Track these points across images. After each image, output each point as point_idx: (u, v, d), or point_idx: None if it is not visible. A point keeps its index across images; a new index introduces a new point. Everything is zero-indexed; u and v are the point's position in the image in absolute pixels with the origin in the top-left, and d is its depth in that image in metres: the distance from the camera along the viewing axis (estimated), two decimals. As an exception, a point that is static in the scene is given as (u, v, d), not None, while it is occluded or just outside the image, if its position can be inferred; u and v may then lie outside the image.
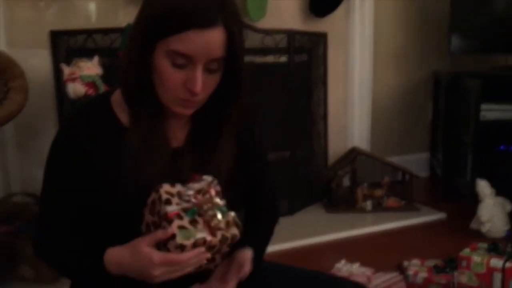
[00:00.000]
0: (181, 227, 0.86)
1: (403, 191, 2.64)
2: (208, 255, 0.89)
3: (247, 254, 1.04)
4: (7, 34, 2.05)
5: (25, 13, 2.07)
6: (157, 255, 0.87)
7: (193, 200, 0.90)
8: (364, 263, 1.83)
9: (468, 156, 2.55)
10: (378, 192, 2.62)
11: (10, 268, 1.83)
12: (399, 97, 3.11)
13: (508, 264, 1.41)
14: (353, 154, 2.71)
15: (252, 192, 1.10)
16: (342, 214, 2.54)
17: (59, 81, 2.07)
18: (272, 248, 2.09)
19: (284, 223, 2.40)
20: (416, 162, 3.05)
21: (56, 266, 1.08)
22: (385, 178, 2.65)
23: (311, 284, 1.10)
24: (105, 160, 0.96)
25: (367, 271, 1.77)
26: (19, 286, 1.81)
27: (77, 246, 1.01)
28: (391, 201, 2.60)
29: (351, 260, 1.84)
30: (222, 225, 0.89)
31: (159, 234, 0.87)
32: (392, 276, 1.85)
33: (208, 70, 0.90)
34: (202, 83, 0.89)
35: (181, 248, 0.86)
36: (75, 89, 1.86)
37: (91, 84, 1.87)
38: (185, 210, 0.88)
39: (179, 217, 0.87)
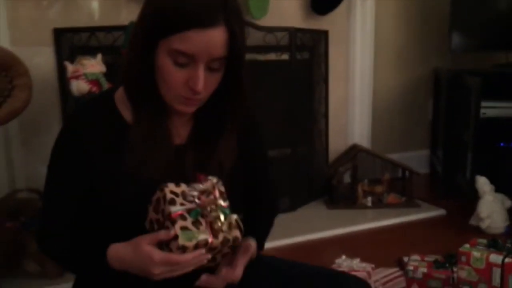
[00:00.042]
0: (183, 228, 0.87)
1: (403, 188, 2.66)
2: (209, 256, 0.90)
3: (251, 242, 1.06)
4: (11, 33, 2.06)
5: (28, 11, 2.09)
6: (158, 254, 0.88)
7: (197, 200, 0.91)
8: (364, 259, 1.84)
9: (468, 153, 2.56)
10: (379, 189, 2.63)
11: (15, 263, 1.84)
12: (400, 95, 3.13)
13: (507, 260, 1.42)
14: (354, 151, 2.72)
15: (252, 189, 1.11)
16: (343, 210, 2.56)
17: (63, 79, 2.08)
18: (274, 243, 2.12)
19: (285, 219, 2.43)
20: (416, 159, 3.06)
21: (60, 261, 1.09)
22: (385, 175, 2.66)
23: (312, 278, 1.10)
24: (108, 157, 0.97)
25: (368, 266, 1.78)
26: (25, 281, 1.82)
27: (80, 241, 1.02)
28: (391, 198, 2.62)
29: (351, 255, 1.85)
30: (225, 227, 0.90)
31: (162, 235, 0.88)
32: (392, 272, 1.87)
33: (209, 69, 0.91)
34: (204, 82, 0.90)
35: (183, 249, 0.87)
36: (79, 86, 1.87)
37: (94, 81, 1.88)
38: (188, 210, 0.89)
39: (183, 217, 0.88)
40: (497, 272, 1.43)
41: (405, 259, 1.87)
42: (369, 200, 2.59)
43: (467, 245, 1.51)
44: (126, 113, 0.99)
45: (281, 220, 2.38)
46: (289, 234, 2.24)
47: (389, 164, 2.70)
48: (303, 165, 2.65)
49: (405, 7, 3.03)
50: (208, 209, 0.90)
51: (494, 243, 1.50)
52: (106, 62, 1.94)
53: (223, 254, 0.95)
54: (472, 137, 2.54)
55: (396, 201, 2.61)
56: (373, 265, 1.82)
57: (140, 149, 0.96)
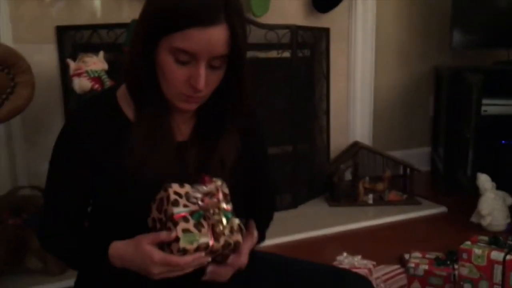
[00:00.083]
0: (185, 230, 0.87)
1: (405, 185, 2.66)
2: (209, 258, 0.91)
3: (254, 230, 1.07)
4: (14, 30, 2.06)
5: (31, 9, 2.09)
6: (157, 255, 0.89)
7: (200, 202, 0.91)
8: (365, 256, 1.84)
9: (469, 151, 2.56)
10: (380, 186, 2.64)
11: (17, 260, 1.85)
12: (401, 92, 3.13)
13: (508, 257, 1.42)
14: (355, 148, 2.73)
15: (252, 187, 1.11)
16: (344, 207, 2.57)
17: (65, 76, 2.09)
18: (275, 240, 2.13)
19: (287, 216, 2.44)
20: (417, 157, 3.07)
21: (61, 257, 1.10)
22: (386, 172, 2.67)
23: (314, 276, 1.11)
24: (110, 154, 0.97)
25: (369, 263, 1.79)
26: (27, 277, 1.83)
27: (81, 238, 1.03)
28: (393, 195, 2.63)
29: (352, 252, 1.86)
30: (227, 231, 0.90)
31: (163, 236, 0.89)
32: (393, 269, 1.88)
33: (211, 67, 0.91)
34: (205, 80, 0.90)
35: (184, 252, 0.87)
36: (81, 84, 1.87)
37: (96, 79, 1.88)
38: (191, 213, 0.89)
39: (185, 219, 0.88)
40: (498, 269, 1.43)
41: (406, 256, 1.88)
42: (370, 198, 2.59)
43: (468, 242, 1.51)
44: (128, 111, 0.99)
45: (282, 217, 2.40)
46: (290, 231, 2.24)
47: (390, 161, 2.71)
48: (304, 163, 2.65)
49: (406, 5, 3.04)
50: (211, 211, 0.90)
51: (495, 240, 1.50)
52: (108, 60, 1.95)
53: (224, 256, 0.95)
54: (473, 135, 2.54)
55: (397, 199, 2.62)
56: (374, 262, 1.82)
57: (142, 146, 0.96)
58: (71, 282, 1.13)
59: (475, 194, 2.32)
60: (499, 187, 2.31)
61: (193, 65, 0.90)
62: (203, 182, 0.93)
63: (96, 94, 1.76)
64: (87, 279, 1.08)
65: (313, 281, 1.09)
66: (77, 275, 1.12)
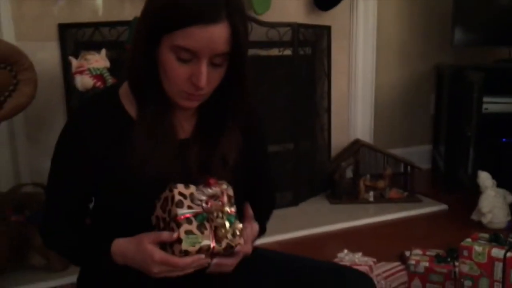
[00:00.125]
0: (188, 232, 0.87)
1: (405, 183, 2.67)
2: (209, 260, 0.91)
3: (255, 222, 1.07)
4: (16, 28, 2.07)
5: (33, 7, 2.09)
6: (158, 254, 0.89)
7: (204, 205, 0.91)
8: (366, 253, 1.85)
9: (470, 149, 2.56)
10: (381, 184, 2.64)
11: (20, 256, 1.86)
12: (402, 90, 3.13)
13: (509, 254, 1.42)
14: (356, 146, 2.73)
15: (252, 185, 1.12)
16: (345, 205, 2.57)
17: (67, 74, 2.09)
18: (277, 237, 2.14)
19: (288, 214, 2.44)
20: (418, 155, 3.07)
21: (63, 253, 1.10)
22: (387, 170, 2.67)
23: (314, 272, 1.11)
24: (112, 152, 0.97)
25: (369, 260, 1.80)
26: (30, 274, 1.84)
27: (84, 234, 1.03)
28: (393, 193, 2.63)
29: (353, 250, 1.87)
30: (229, 234, 0.91)
31: (164, 236, 0.89)
32: (393, 266, 1.88)
33: (212, 65, 0.91)
34: (206, 78, 0.90)
35: (185, 253, 0.88)
36: (83, 81, 1.88)
37: (99, 76, 1.89)
38: (195, 214, 0.89)
39: (188, 221, 0.88)
40: (499, 267, 1.44)
41: (407, 253, 1.88)
42: (371, 195, 2.60)
43: (469, 240, 1.51)
44: (131, 108, 1.00)
45: (283, 214, 2.41)
46: (292, 228, 2.25)
47: (391, 159, 2.71)
48: (306, 160, 2.66)
49: (407, 3, 3.04)
50: (215, 214, 0.91)
51: (496, 237, 1.51)
52: (110, 57, 1.95)
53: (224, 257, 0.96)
54: (474, 133, 2.54)
55: (398, 196, 2.62)
56: (375, 259, 1.83)
57: (144, 144, 0.96)
58: (74, 278, 1.14)
59: (476, 192, 2.33)
60: (499, 185, 2.32)
61: (195, 63, 0.90)
62: (209, 185, 0.93)
63: (98, 91, 1.76)
64: (90, 276, 1.09)
65: (314, 278, 1.10)
66: (79, 272, 1.13)
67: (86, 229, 1.05)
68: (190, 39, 0.87)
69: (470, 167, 2.57)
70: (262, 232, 1.13)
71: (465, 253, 1.48)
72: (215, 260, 0.93)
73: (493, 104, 2.61)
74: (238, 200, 0.98)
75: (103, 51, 1.94)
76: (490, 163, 2.48)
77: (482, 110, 2.52)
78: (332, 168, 2.66)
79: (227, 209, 0.92)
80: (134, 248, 0.93)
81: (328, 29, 2.71)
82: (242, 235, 0.93)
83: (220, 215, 0.91)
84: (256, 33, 2.29)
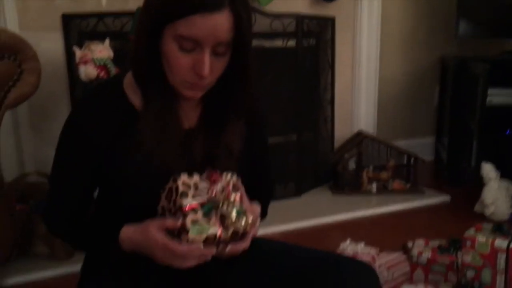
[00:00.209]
0: (194, 221, 0.88)
1: (408, 174, 2.67)
2: (213, 250, 0.91)
3: (256, 206, 1.07)
4: (20, 17, 2.06)
5: (37, -4, 2.10)
6: (161, 240, 0.90)
7: (209, 193, 0.92)
8: (369, 244, 1.85)
9: (474, 141, 2.56)
10: (384, 175, 2.64)
11: (25, 245, 1.88)
12: (406, 82, 3.12)
13: (512, 245, 1.43)
14: (359, 137, 2.73)
15: (252, 173, 1.11)
16: (348, 196, 2.58)
17: (71, 64, 2.09)
18: (280, 228, 2.15)
19: (291, 205, 2.45)
20: (421, 146, 3.07)
21: (68, 241, 1.11)
22: (390, 161, 2.67)
23: (317, 263, 1.12)
24: (117, 143, 0.97)
25: (372, 251, 1.80)
26: (34, 262, 1.85)
27: (88, 223, 1.04)
28: (396, 184, 2.63)
29: (356, 241, 1.87)
30: (235, 222, 0.91)
31: (169, 223, 0.90)
32: (396, 256, 1.88)
33: (215, 54, 0.91)
34: (209, 67, 0.90)
35: (192, 242, 0.88)
36: (87, 71, 1.88)
37: (102, 67, 1.89)
38: (200, 204, 0.90)
39: (194, 210, 0.89)
40: (502, 257, 1.44)
41: (409, 244, 1.89)
42: (373, 187, 2.60)
43: (472, 230, 1.52)
44: (135, 99, 1.00)
45: (286, 205, 2.42)
46: (295, 219, 2.26)
47: (394, 150, 2.71)
48: (309, 152, 2.66)
49: (412, -6, 3.02)
50: (220, 203, 0.91)
51: (499, 228, 1.51)
52: (114, 48, 1.95)
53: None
54: (477, 125, 2.54)
55: (401, 188, 2.63)
56: (378, 250, 1.83)
57: (150, 134, 0.96)
58: (78, 267, 1.14)
59: (479, 184, 2.33)
60: (503, 176, 2.31)
61: (198, 52, 0.90)
62: (213, 181, 0.93)
63: (102, 82, 1.77)
64: (94, 265, 1.10)
65: (316, 268, 1.10)
66: (83, 261, 1.14)
67: (91, 218, 1.06)
68: (193, 28, 0.87)
69: (473, 159, 2.57)
70: (263, 216, 1.14)
71: (468, 243, 1.48)
72: (228, 248, 0.93)
73: (497, 96, 2.60)
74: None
75: (107, 42, 1.94)
76: (494, 155, 2.48)
77: (486, 102, 2.51)
78: (335, 160, 2.67)
79: (233, 197, 0.92)
80: (141, 234, 0.94)
81: (332, 20, 2.70)
82: (248, 220, 0.94)
83: (226, 203, 0.91)
84: (260, 24, 2.29)
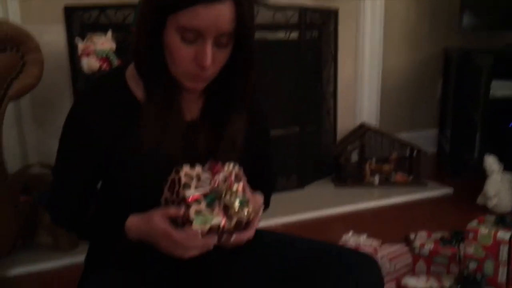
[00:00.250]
0: (198, 212, 0.89)
1: (411, 167, 2.67)
2: (215, 239, 0.91)
3: (259, 196, 1.08)
4: (22, 10, 2.06)
5: (39, -12, 2.09)
6: (162, 227, 0.91)
7: (212, 183, 0.92)
8: (371, 236, 1.86)
9: (477, 133, 2.55)
10: (386, 167, 2.64)
11: (29, 236, 1.89)
12: (409, 74, 3.11)
13: (514, 237, 1.43)
14: (362, 130, 2.73)
15: (255, 166, 1.11)
16: (350, 188, 2.58)
17: (74, 56, 2.09)
18: (282, 220, 2.15)
19: (293, 197, 2.46)
20: (424, 139, 3.06)
21: (73, 230, 1.12)
22: (393, 153, 2.67)
23: (319, 254, 1.12)
24: (119, 134, 0.97)
25: (374, 242, 1.81)
26: (38, 253, 1.87)
27: (91, 213, 1.04)
28: (399, 176, 2.63)
29: (358, 232, 1.88)
30: (239, 211, 0.92)
31: (172, 211, 0.90)
32: (398, 248, 1.89)
33: (217, 45, 0.91)
34: (211, 58, 0.90)
35: (201, 235, 0.89)
36: (89, 63, 1.88)
37: (105, 59, 1.89)
38: (203, 195, 0.90)
39: (197, 201, 0.89)
40: (504, 249, 1.44)
41: (412, 236, 1.89)
42: (376, 179, 2.60)
43: (475, 222, 1.52)
44: (137, 90, 1.00)
45: (289, 197, 2.42)
46: (297, 211, 2.26)
47: (397, 143, 2.71)
48: (311, 144, 2.66)
49: (415, -15, 3.01)
50: (223, 194, 0.92)
51: (502, 220, 1.51)
52: (116, 40, 1.95)
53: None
54: (481, 117, 2.53)
55: (403, 180, 2.62)
56: (380, 241, 1.84)
57: (152, 126, 0.96)
58: (82, 257, 1.15)
59: (482, 176, 2.32)
60: (506, 169, 2.31)
61: (200, 43, 0.90)
62: (215, 172, 0.94)
63: (104, 73, 1.76)
64: (98, 255, 1.10)
65: (318, 260, 1.10)
66: (87, 252, 1.15)
67: (95, 208, 1.06)
68: (195, 18, 0.87)
69: (476, 151, 2.56)
70: (265, 207, 1.14)
71: (471, 235, 1.48)
72: (233, 238, 0.93)
73: (501, 89, 2.59)
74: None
75: (109, 33, 1.94)
76: (497, 148, 2.47)
77: (489, 95, 2.50)
78: (338, 152, 2.67)
79: (235, 187, 0.93)
80: (145, 223, 0.94)
81: (335, 12, 2.69)
82: (252, 209, 0.94)
83: (229, 193, 0.92)
84: (263, 16, 2.28)
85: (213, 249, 0.95)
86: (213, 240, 0.91)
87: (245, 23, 0.90)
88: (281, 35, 2.47)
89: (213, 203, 0.91)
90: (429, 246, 1.65)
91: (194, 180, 0.91)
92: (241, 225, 0.93)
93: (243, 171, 0.98)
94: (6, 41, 1.65)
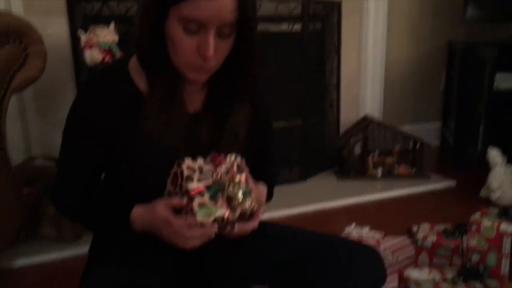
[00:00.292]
0: (201, 205, 0.89)
1: (414, 159, 2.66)
2: (216, 229, 0.91)
3: (262, 186, 1.08)
4: (25, 2, 2.06)
5: (42, -20, 2.09)
6: (163, 215, 0.91)
7: (214, 175, 0.92)
8: (374, 228, 1.86)
9: (481, 126, 2.54)
10: (389, 160, 2.64)
11: (33, 227, 1.90)
12: (412, 67, 3.10)
13: (517, 229, 1.43)
14: (365, 122, 2.72)
15: (257, 158, 1.12)
16: (353, 181, 2.58)
17: (76, 48, 2.09)
18: (285, 212, 2.15)
19: (296, 189, 2.46)
20: (427, 131, 3.06)
21: (77, 220, 1.13)
22: (396, 146, 2.67)
23: (322, 246, 1.12)
24: (122, 126, 0.98)
25: (377, 235, 1.81)
26: (42, 244, 1.87)
27: (95, 204, 1.05)
28: (402, 169, 2.63)
29: (361, 225, 1.88)
30: (242, 202, 0.92)
31: (175, 201, 0.91)
32: (401, 240, 1.89)
33: (220, 35, 0.91)
34: (214, 48, 0.90)
35: (201, 225, 0.89)
36: (92, 56, 1.88)
37: (107, 51, 1.88)
38: (207, 187, 0.91)
39: (200, 194, 0.90)
40: (507, 241, 1.44)
41: (414, 228, 1.89)
42: (379, 171, 2.60)
43: (477, 214, 1.51)
44: (140, 82, 1.00)
45: (291, 190, 2.42)
46: (300, 203, 2.26)
47: (400, 135, 2.70)
48: (314, 136, 2.66)
49: (419, -23, 2.99)
50: (226, 185, 0.92)
51: (505, 212, 1.51)
52: (119, 32, 1.94)
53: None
54: (484, 109, 2.52)
55: (406, 172, 2.62)
56: (383, 234, 1.84)
57: (155, 118, 0.97)
58: (85, 249, 1.16)
59: (485, 169, 2.32)
60: (509, 162, 2.30)
61: (202, 34, 0.90)
62: (216, 164, 0.94)
63: (107, 65, 1.76)
64: (102, 246, 1.11)
65: (322, 251, 1.11)
66: (91, 242, 1.15)
67: (100, 199, 1.07)
68: (197, 9, 0.87)
69: (479, 144, 2.56)
70: (268, 198, 1.14)
71: (474, 227, 1.48)
72: (236, 227, 0.94)
73: (505, 81, 2.58)
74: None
75: (112, 26, 1.93)
76: (500, 140, 2.46)
77: (493, 87, 2.49)
78: (341, 144, 2.66)
79: (238, 178, 0.93)
80: (149, 213, 0.95)
81: (338, 4, 2.68)
82: (255, 199, 0.94)
83: (232, 184, 0.92)
84: (265, 8, 2.27)
85: (216, 240, 0.95)
86: (213, 230, 0.91)
87: (247, 14, 0.90)
88: (284, 27, 2.46)
89: (216, 195, 0.91)
90: (432, 238, 1.65)
91: (196, 173, 0.91)
92: (245, 216, 0.93)
93: (245, 163, 0.98)
94: (8, 33, 1.64)
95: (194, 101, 1.04)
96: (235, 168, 0.94)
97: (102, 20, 2.04)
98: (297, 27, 2.46)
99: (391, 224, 2.03)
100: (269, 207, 1.11)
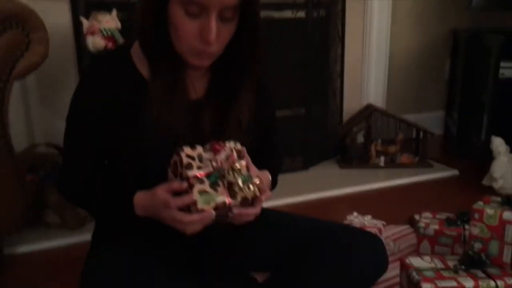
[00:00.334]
0: (201, 192, 0.89)
1: (417, 148, 2.66)
2: (213, 213, 0.91)
3: (267, 173, 1.08)
4: (27, -13, 2.05)
5: (43, -34, 2.07)
6: (162, 197, 0.91)
7: (214, 163, 0.92)
8: (376, 217, 1.86)
9: (485, 114, 2.53)
10: (392, 149, 2.63)
11: (36, 215, 1.90)
12: (417, 55, 3.08)
13: (520, 217, 1.43)
14: (368, 111, 2.71)
15: (260, 146, 1.12)
16: (356, 169, 2.57)
17: (79, 35, 2.08)
18: (287, 200, 2.15)
19: (298, 178, 2.46)
20: (430, 120, 3.05)
21: (82, 206, 1.13)
22: (399, 135, 2.66)
23: (324, 233, 1.13)
24: (125, 112, 0.98)
25: (379, 223, 1.81)
26: (45, 232, 1.88)
27: (101, 189, 1.06)
28: (405, 158, 2.62)
29: (363, 213, 1.88)
30: (244, 188, 0.92)
31: (175, 185, 0.91)
32: (403, 228, 1.90)
33: (222, 19, 0.91)
34: (216, 32, 0.90)
35: (202, 212, 0.89)
36: (95, 42, 1.87)
37: (110, 37, 1.88)
38: (206, 174, 0.91)
39: (200, 181, 0.90)
40: (510, 229, 1.44)
41: (417, 217, 1.89)
42: (381, 160, 2.60)
43: (480, 202, 1.51)
44: (142, 68, 1.00)
45: (294, 178, 2.42)
46: (302, 192, 2.26)
47: (403, 124, 2.69)
48: (317, 125, 2.65)
49: (424, -36, 2.95)
50: (226, 172, 0.92)
51: (508, 200, 1.50)
52: (121, 19, 1.93)
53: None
54: (489, 99, 2.50)
55: (409, 161, 2.62)
56: (384, 222, 1.84)
57: (157, 104, 0.97)
58: (89, 236, 1.17)
59: (488, 158, 2.31)
60: (512, 151, 2.30)
61: (204, 17, 0.89)
62: (216, 152, 0.94)
63: (109, 51, 1.76)
64: (105, 232, 1.11)
65: (324, 238, 1.11)
66: (94, 228, 1.16)
67: (103, 185, 1.07)
68: None
69: (483, 133, 2.54)
70: (273, 186, 1.14)
71: (476, 216, 1.48)
72: (234, 211, 0.93)
73: (510, 70, 2.56)
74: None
75: (114, 12, 1.93)
76: (504, 129, 2.45)
77: (498, 76, 2.47)
78: (344, 133, 2.66)
79: (238, 165, 0.93)
80: (150, 198, 0.95)
81: (342, -9, 2.66)
82: (257, 185, 0.94)
83: (232, 171, 0.92)
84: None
85: (218, 227, 0.95)
86: (210, 215, 0.91)
87: None
88: (287, 14, 2.44)
89: (216, 182, 0.91)
90: (434, 226, 1.65)
91: (196, 161, 0.91)
92: (248, 202, 0.93)
93: (247, 150, 0.98)
94: (10, 18, 1.63)
95: (197, 87, 1.04)
96: (235, 154, 0.94)
97: (104, 6, 2.03)
98: (301, 14, 2.44)
99: (394, 213, 2.03)
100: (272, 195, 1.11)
